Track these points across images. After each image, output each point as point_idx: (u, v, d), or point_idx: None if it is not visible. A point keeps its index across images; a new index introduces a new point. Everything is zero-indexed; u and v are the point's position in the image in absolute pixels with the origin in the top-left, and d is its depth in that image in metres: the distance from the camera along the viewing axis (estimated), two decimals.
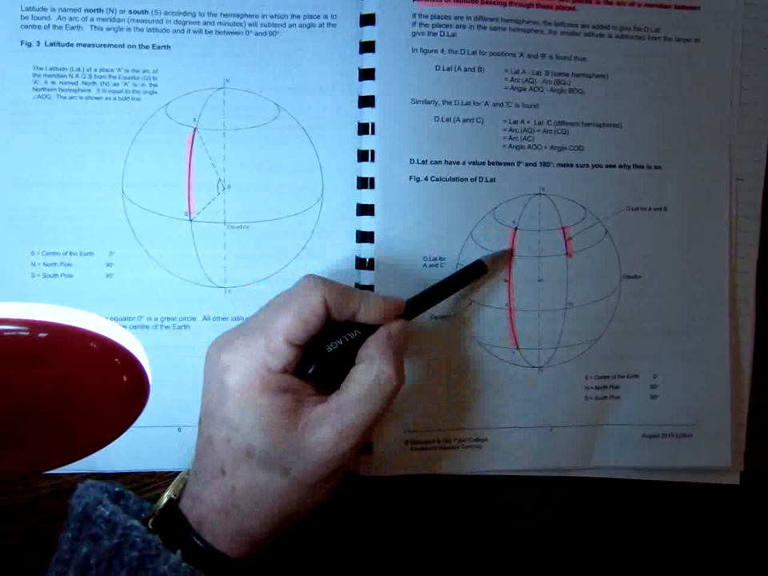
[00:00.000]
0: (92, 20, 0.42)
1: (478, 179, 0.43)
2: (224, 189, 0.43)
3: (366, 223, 0.42)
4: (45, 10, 0.41)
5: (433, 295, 0.40)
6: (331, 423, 0.33)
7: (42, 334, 0.32)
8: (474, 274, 0.42)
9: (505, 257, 0.43)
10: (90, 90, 0.42)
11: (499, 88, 0.43)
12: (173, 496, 0.36)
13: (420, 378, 0.43)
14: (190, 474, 0.35)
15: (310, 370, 0.34)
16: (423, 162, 0.42)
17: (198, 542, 0.33)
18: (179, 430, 0.43)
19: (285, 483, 0.33)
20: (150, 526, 0.34)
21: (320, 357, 0.34)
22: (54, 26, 0.42)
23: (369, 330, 0.35)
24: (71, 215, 0.42)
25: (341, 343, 0.35)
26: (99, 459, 0.38)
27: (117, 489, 0.36)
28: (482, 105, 0.43)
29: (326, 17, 0.43)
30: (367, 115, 0.42)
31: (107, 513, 0.33)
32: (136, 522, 0.33)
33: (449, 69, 0.42)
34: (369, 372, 0.34)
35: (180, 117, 0.43)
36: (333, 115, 0.43)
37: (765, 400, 0.47)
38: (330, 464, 0.33)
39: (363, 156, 0.43)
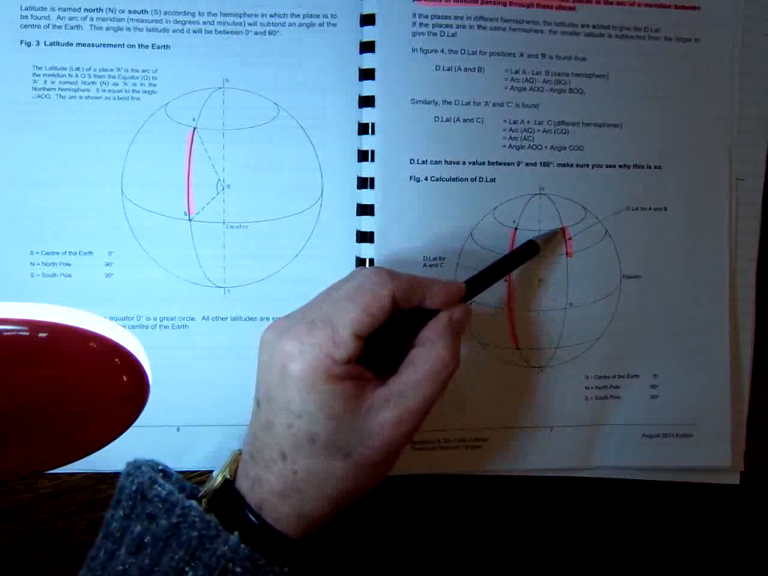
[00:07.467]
0: (91, 20, 0.42)
1: (478, 179, 0.43)
2: (223, 189, 0.43)
3: (366, 223, 0.42)
4: (44, 9, 0.41)
5: (488, 277, 0.40)
6: (391, 406, 0.33)
7: (42, 334, 0.32)
8: (527, 254, 0.42)
9: (557, 236, 0.43)
10: (89, 90, 0.42)
11: (499, 88, 0.43)
12: (228, 476, 0.36)
13: None
14: (245, 456, 0.35)
15: (375, 357, 0.34)
16: (423, 162, 0.42)
17: (258, 522, 0.33)
18: (178, 429, 0.43)
19: (346, 466, 0.33)
20: (205, 506, 0.35)
21: (385, 342, 0.35)
22: (54, 26, 0.42)
23: (431, 312, 0.36)
24: (70, 215, 0.42)
25: (405, 326, 0.35)
26: (99, 459, 0.38)
27: (161, 467, 0.36)
28: (482, 105, 0.43)
29: (325, 16, 0.43)
30: (367, 115, 0.42)
31: (164, 492, 0.33)
32: (194, 503, 0.33)
33: (449, 69, 0.42)
34: (427, 356, 0.34)
35: (179, 116, 0.42)
36: (333, 115, 0.43)
37: (765, 400, 0.47)
38: (391, 446, 0.33)
39: (363, 156, 0.43)
